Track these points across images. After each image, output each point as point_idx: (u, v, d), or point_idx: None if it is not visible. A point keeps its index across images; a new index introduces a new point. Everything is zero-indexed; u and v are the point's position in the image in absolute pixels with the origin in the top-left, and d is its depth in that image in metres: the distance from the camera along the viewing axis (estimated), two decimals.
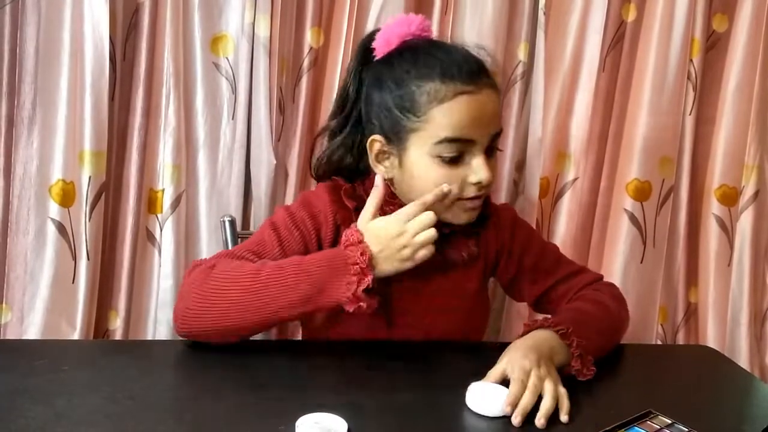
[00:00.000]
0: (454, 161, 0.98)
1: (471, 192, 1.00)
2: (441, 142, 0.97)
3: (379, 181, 1.01)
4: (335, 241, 1.04)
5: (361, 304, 0.91)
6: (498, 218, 1.16)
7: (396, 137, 1.01)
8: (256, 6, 1.44)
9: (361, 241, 0.93)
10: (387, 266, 0.93)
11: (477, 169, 0.99)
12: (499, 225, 1.16)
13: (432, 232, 0.94)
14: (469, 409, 0.80)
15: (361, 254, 0.91)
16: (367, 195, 1.01)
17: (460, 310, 1.12)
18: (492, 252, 1.16)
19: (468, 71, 0.98)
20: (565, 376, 0.90)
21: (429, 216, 0.94)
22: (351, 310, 0.91)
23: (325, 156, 1.11)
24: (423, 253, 0.94)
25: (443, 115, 0.97)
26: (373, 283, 0.91)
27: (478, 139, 0.98)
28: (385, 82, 1.02)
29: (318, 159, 1.13)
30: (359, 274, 0.91)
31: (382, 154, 1.04)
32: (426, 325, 1.09)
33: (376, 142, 1.03)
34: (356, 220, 0.99)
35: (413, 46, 1.03)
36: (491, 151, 1.02)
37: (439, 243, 0.96)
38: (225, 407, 0.78)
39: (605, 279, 1.21)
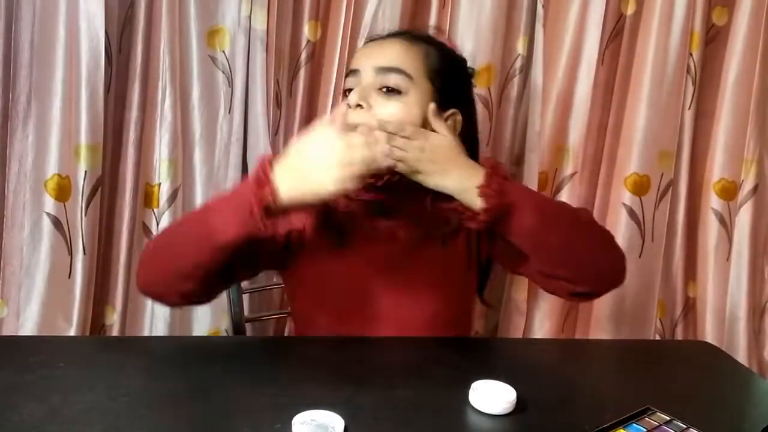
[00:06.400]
0: (347, 94, 1.00)
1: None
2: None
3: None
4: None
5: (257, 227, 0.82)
6: None
7: None
8: None
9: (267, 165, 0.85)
10: (291, 193, 0.83)
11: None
12: None
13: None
14: (471, 406, 0.80)
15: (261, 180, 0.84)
16: None
17: (447, 285, 1.07)
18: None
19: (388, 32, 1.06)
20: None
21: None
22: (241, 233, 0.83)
23: None
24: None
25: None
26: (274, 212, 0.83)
27: (361, 68, 0.99)
28: None
29: None
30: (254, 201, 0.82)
31: None
32: (411, 304, 1.05)
33: None
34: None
35: None
36: (390, 93, 0.97)
37: (418, 218, 0.99)
38: (222, 404, 0.77)
39: None
